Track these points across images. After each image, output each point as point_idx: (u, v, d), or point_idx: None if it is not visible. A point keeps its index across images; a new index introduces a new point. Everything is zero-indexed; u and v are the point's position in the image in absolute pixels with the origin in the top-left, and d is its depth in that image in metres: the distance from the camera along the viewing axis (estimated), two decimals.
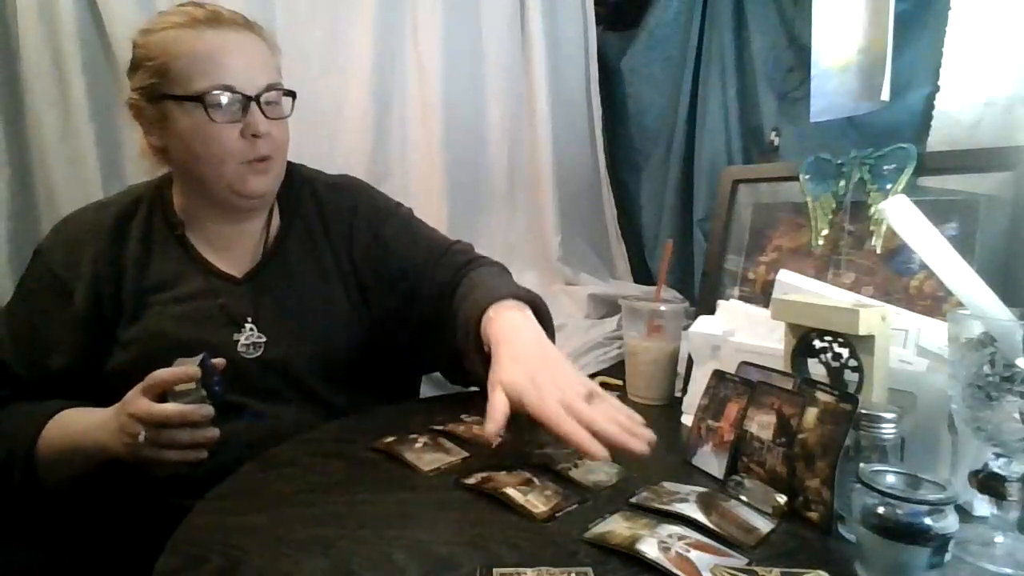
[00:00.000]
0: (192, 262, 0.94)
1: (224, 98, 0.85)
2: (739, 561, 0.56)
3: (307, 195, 1.02)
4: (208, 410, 0.77)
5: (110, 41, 1.50)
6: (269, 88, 0.89)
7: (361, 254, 1.00)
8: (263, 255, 0.97)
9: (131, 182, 1.53)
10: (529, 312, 0.85)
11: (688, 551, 0.56)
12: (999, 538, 0.58)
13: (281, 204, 1.00)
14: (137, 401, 0.76)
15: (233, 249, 0.97)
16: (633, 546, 0.56)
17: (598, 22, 1.94)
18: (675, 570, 0.53)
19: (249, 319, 0.92)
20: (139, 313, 0.90)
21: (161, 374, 0.76)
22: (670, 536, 0.58)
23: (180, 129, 0.87)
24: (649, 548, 0.56)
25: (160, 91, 0.86)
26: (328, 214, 1.01)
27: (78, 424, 0.84)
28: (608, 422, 0.68)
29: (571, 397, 0.70)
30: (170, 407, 0.76)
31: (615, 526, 0.61)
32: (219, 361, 0.82)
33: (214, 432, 0.78)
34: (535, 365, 0.74)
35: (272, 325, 0.93)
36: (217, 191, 0.90)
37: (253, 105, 0.87)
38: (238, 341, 0.91)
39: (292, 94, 0.93)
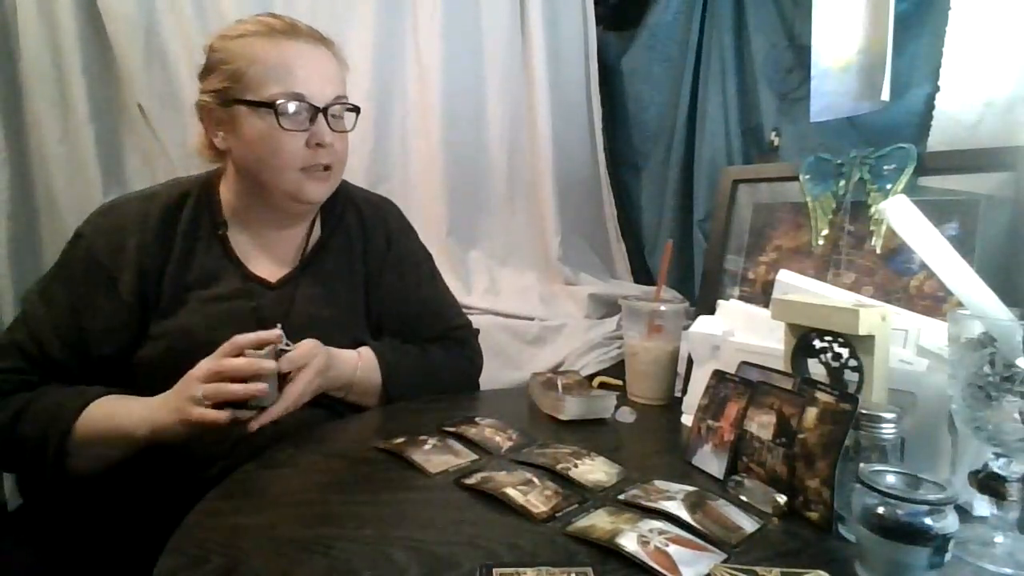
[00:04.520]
0: (230, 263, 0.96)
1: (293, 106, 0.88)
2: (718, 557, 0.56)
3: (350, 209, 1.06)
4: (271, 364, 0.81)
5: (110, 41, 1.50)
6: (336, 100, 0.93)
7: (387, 292, 1.06)
8: (300, 262, 1.00)
9: (131, 181, 1.55)
10: (371, 357, 0.98)
11: (667, 545, 0.56)
12: (999, 538, 0.58)
13: (323, 214, 1.04)
14: (205, 363, 0.80)
15: (272, 254, 0.99)
16: (613, 540, 0.56)
17: (598, 22, 1.94)
18: (652, 563, 0.54)
19: (280, 325, 0.92)
20: (174, 308, 0.91)
21: (245, 336, 0.81)
22: (651, 531, 0.58)
23: (248, 133, 0.89)
24: (628, 542, 0.56)
25: (233, 95, 0.89)
26: (370, 235, 1.06)
27: (123, 407, 0.84)
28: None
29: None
30: (240, 360, 0.80)
31: (598, 520, 0.61)
32: (278, 333, 0.85)
33: (262, 387, 0.80)
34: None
35: (300, 333, 0.93)
36: (275, 195, 0.93)
37: (320, 116, 0.90)
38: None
39: (356, 109, 0.97)
